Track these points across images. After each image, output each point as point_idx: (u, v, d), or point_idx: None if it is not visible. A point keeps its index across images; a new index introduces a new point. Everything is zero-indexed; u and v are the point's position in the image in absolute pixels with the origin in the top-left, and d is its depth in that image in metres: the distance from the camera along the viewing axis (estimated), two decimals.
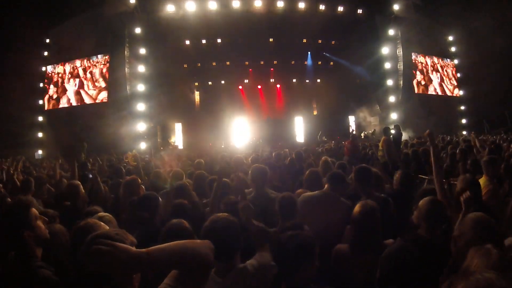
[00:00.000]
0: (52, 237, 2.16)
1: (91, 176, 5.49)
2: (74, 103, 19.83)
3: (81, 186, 3.88)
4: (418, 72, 22.71)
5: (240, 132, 21.86)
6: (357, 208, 2.58)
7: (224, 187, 3.65)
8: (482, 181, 3.95)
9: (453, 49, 24.50)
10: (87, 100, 19.76)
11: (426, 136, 3.46)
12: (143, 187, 4.00)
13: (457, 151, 6.24)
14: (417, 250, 1.73)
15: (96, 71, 19.81)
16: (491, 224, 2.04)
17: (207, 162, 6.87)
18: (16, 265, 1.95)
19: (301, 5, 20.21)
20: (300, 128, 23.14)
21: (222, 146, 18.17)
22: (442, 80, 23.90)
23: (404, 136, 17.18)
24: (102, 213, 2.51)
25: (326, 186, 3.45)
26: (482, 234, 1.97)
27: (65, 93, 19.95)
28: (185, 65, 23.44)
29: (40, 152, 19.00)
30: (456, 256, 2.03)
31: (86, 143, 15.33)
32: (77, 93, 19.81)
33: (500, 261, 1.57)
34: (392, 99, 21.91)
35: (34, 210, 2.11)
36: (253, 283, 1.96)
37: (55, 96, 20.03)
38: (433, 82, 23.54)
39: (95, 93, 19.68)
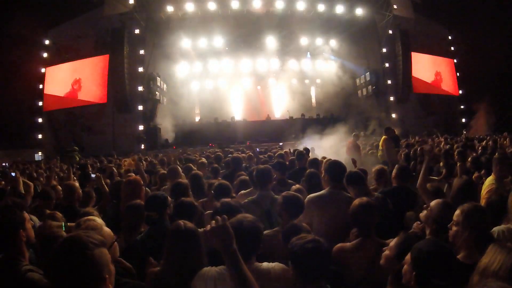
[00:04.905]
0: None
1: (93, 176, 5.49)
2: (72, 104, 19.74)
3: (78, 187, 3.90)
4: (417, 72, 22.61)
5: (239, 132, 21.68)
6: (354, 203, 2.69)
7: (222, 188, 3.63)
8: (488, 180, 3.95)
9: (452, 48, 24.40)
10: (85, 99, 19.75)
11: (427, 150, 4.00)
12: (148, 189, 4.00)
13: (455, 152, 6.17)
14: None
15: (95, 72, 19.77)
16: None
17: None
18: (3, 267, 1.91)
19: (300, 5, 20.21)
20: (300, 128, 22.91)
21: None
22: (441, 79, 23.84)
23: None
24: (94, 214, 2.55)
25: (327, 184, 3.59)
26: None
27: (64, 94, 19.85)
28: (185, 65, 23.38)
29: (40, 153, 18.95)
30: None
31: (78, 147, 15.67)
32: (74, 94, 19.75)
33: None
34: (391, 98, 21.88)
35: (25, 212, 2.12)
36: (271, 284, 1.97)
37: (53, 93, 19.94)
38: (432, 81, 23.51)
39: (92, 94, 19.65)
